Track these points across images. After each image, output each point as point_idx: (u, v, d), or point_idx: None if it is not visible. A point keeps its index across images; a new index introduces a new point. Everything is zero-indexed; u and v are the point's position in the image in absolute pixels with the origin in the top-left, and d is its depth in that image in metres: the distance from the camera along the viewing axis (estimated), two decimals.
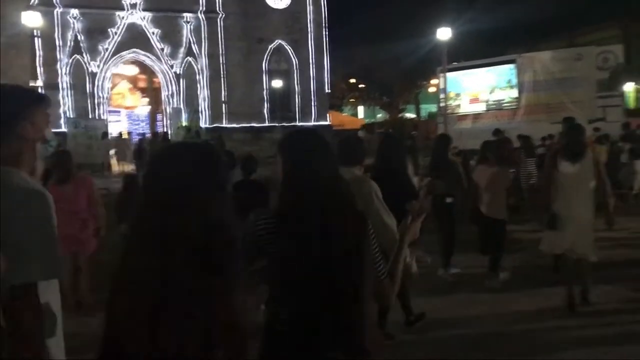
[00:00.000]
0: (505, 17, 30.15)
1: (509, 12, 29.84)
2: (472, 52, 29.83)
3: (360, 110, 54.72)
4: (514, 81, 20.10)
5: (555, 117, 17.06)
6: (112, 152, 23.17)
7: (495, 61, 21.78)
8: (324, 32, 29.73)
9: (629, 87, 28.48)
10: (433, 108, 41.57)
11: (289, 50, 29.25)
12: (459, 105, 21.87)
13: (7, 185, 1.89)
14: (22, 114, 2.00)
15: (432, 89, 43.12)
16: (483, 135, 18.47)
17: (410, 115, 48.65)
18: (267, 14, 28.47)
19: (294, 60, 29.37)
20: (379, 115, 52.58)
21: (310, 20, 29.36)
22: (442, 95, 20.17)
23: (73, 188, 5.77)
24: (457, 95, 21.84)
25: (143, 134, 25.02)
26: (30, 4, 22.88)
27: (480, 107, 21.21)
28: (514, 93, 20.10)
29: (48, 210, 1.95)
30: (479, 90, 21.44)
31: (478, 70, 21.84)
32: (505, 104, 20.47)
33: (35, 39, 17.64)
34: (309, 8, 29.28)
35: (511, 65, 20.41)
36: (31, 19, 16.10)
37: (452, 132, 17.29)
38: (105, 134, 22.83)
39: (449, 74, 19.31)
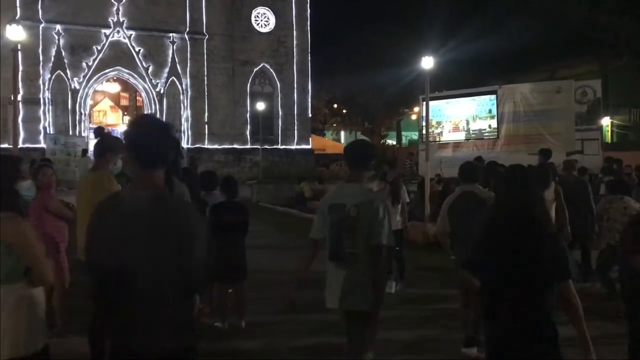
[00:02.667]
0: (487, 48, 30.68)
1: (490, 43, 30.38)
2: (453, 82, 30.26)
3: (343, 135, 55.04)
4: (495, 111, 20.35)
5: (533, 149, 17.24)
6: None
7: (476, 91, 22.05)
8: (308, 57, 29.98)
9: (606, 122, 29.08)
10: (414, 135, 41.94)
11: (273, 74, 29.41)
12: (440, 133, 22.06)
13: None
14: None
15: (414, 117, 43.59)
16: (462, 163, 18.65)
17: (392, 141, 49.02)
18: (252, 37, 28.66)
19: (278, 84, 29.53)
20: None
21: (294, 44, 29.61)
22: (423, 123, 20.36)
23: (38, 204, 5.69)
24: (439, 123, 22.04)
25: None
26: (15, 18, 22.76)
27: (461, 136, 21.41)
28: (494, 123, 20.34)
29: None
30: (460, 119, 21.66)
31: (460, 99, 22.09)
32: (486, 134, 20.69)
33: (18, 53, 17.51)
34: (294, 33, 29.55)
35: (492, 96, 20.67)
36: (15, 33, 15.93)
37: (432, 160, 17.42)
38: (85, 151, 22.54)
39: (431, 102, 19.52)
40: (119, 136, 5.17)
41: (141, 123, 2.60)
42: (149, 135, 2.40)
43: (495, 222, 3.10)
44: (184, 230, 2.29)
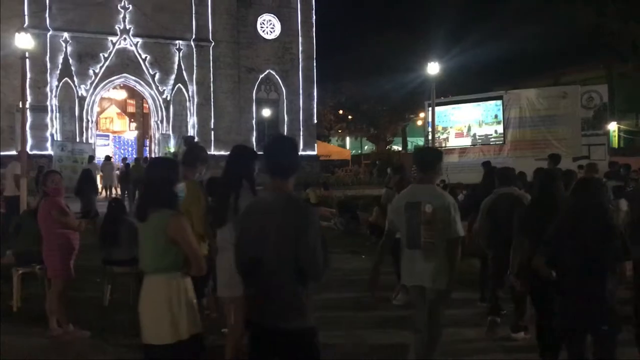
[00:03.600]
0: (493, 54, 30.69)
1: (496, 49, 30.38)
2: (459, 88, 30.26)
3: (348, 141, 55.08)
4: (501, 117, 20.35)
5: (540, 154, 17.25)
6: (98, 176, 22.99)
7: (482, 97, 22.06)
8: (313, 63, 30.06)
9: (612, 127, 29.00)
10: (420, 141, 41.93)
11: (279, 80, 29.51)
12: (447, 139, 22.05)
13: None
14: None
15: (419, 122, 43.57)
16: (469, 169, 18.62)
17: (397, 147, 48.99)
18: (258, 43, 28.77)
19: (283, 90, 29.61)
20: (366, 147, 52.93)
21: (300, 51, 29.70)
22: (429, 129, 20.35)
23: (41, 210, 5.86)
24: (445, 129, 22.05)
25: (125, 159, 24.89)
26: (24, 26, 22.93)
27: (467, 142, 21.40)
28: (501, 128, 20.33)
29: None
30: (466, 124, 21.67)
31: (465, 105, 22.10)
32: (492, 139, 20.68)
33: (26, 60, 17.68)
34: (300, 39, 29.65)
35: (498, 101, 20.67)
36: (23, 41, 16.06)
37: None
38: (92, 157, 22.66)
39: (437, 108, 19.51)
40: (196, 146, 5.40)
41: (275, 141, 3.26)
42: (280, 151, 3.08)
43: (575, 215, 4.01)
44: (304, 226, 2.83)
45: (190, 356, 3.30)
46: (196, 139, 8.70)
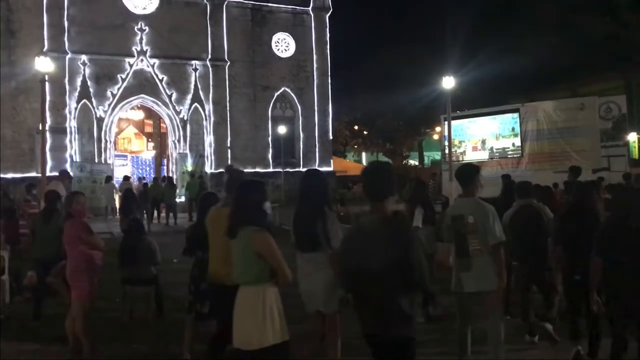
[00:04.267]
0: (508, 66, 30.57)
1: (511, 62, 30.27)
2: (475, 101, 30.18)
3: (364, 156, 55.05)
4: (518, 129, 20.21)
5: (558, 166, 17.07)
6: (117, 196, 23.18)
7: (499, 110, 21.94)
8: (328, 80, 30.20)
9: (632, 137, 28.63)
10: (437, 155, 41.77)
11: (294, 97, 29.67)
12: (464, 153, 21.93)
13: None
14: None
15: (435, 136, 43.45)
16: (487, 183, 18.47)
17: (414, 162, 48.85)
18: (272, 62, 29.00)
19: (298, 107, 29.75)
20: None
21: (314, 68, 29.88)
22: (446, 143, 20.27)
23: (66, 229, 5.90)
24: (461, 142, 21.95)
25: (142, 178, 25.10)
26: (43, 50, 23.37)
27: (484, 155, 21.26)
28: (518, 141, 20.18)
29: None
30: (482, 138, 21.55)
31: (482, 118, 22.00)
32: (510, 152, 20.52)
33: (45, 83, 18.04)
34: (314, 57, 29.84)
35: (515, 114, 20.55)
36: (43, 65, 16.37)
37: (456, 180, 17.24)
38: (110, 177, 22.89)
39: (453, 122, 19.44)
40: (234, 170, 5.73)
41: (373, 169, 3.67)
42: (378, 178, 3.46)
43: (624, 225, 4.57)
44: (404, 242, 3.17)
45: None
46: (234, 166, 8.86)
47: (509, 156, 20.41)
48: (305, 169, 28.96)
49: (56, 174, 23.02)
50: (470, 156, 21.81)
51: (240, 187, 4.01)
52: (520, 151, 20.07)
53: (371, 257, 3.18)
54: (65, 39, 24.71)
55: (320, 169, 28.86)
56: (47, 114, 21.69)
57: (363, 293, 3.27)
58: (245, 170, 27.90)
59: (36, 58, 17.69)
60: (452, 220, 4.93)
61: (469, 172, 5.12)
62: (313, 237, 4.54)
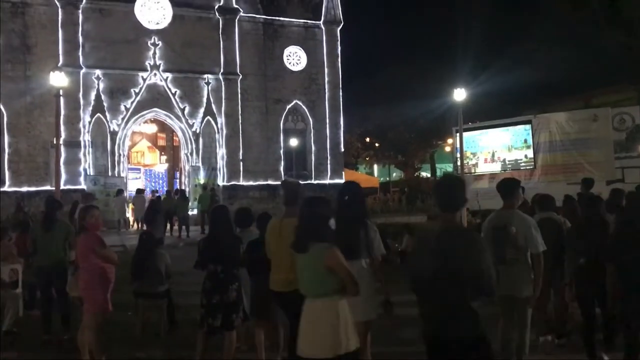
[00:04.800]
0: (520, 78, 30.49)
1: (523, 73, 30.20)
2: (487, 112, 30.08)
3: (376, 168, 54.99)
4: (530, 141, 20.11)
5: (572, 178, 16.95)
6: (129, 209, 23.35)
7: (510, 121, 21.87)
8: (339, 93, 30.29)
9: None
10: (449, 167, 41.63)
11: (305, 110, 29.77)
12: (476, 165, 21.85)
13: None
14: None
15: (447, 148, 43.35)
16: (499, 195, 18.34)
17: (426, 174, 48.71)
18: (284, 75, 29.16)
19: (310, 120, 29.83)
20: (395, 174, 52.75)
21: (326, 81, 29.99)
22: (457, 155, 20.21)
23: (80, 242, 5.92)
24: (474, 154, 21.88)
25: (155, 191, 25.26)
26: (58, 65, 23.69)
27: (497, 167, 21.17)
28: (531, 153, 20.07)
29: None
30: (495, 149, 21.47)
31: (494, 130, 21.93)
32: (522, 164, 20.41)
33: (60, 98, 18.32)
34: (325, 70, 29.96)
35: (527, 126, 20.47)
36: (58, 80, 16.60)
37: (469, 192, 17.17)
38: (121, 190, 23.06)
39: (465, 133, 19.39)
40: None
41: (445, 181, 3.88)
42: (449, 190, 3.63)
43: (633, 230, 4.94)
44: (475, 251, 3.38)
45: None
46: (290, 180, 9.07)
47: (522, 168, 20.31)
48: (317, 181, 28.94)
49: (71, 187, 23.31)
50: (483, 168, 21.73)
51: (308, 203, 4.21)
52: (533, 163, 19.96)
53: (446, 264, 3.39)
54: (80, 54, 25.04)
55: (331, 181, 28.92)
56: (62, 128, 21.99)
57: (435, 297, 3.47)
58: (258, 183, 28.09)
59: (51, 73, 17.94)
60: (494, 229, 5.23)
61: (510, 185, 5.48)
62: (354, 246, 4.71)
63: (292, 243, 4.06)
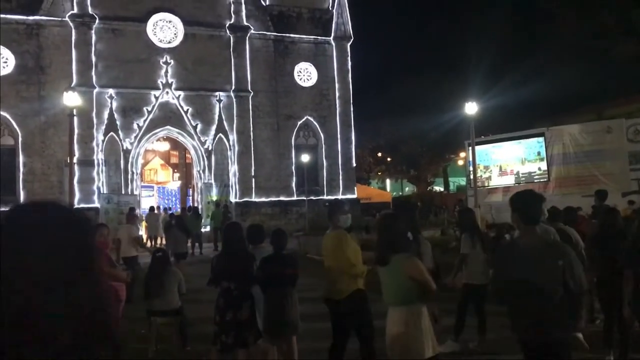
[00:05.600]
0: (532, 90, 30.38)
1: (535, 85, 30.09)
2: (499, 125, 29.96)
3: (388, 183, 54.85)
4: (544, 153, 19.97)
5: (586, 190, 16.77)
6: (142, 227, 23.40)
7: (523, 134, 21.76)
8: (350, 108, 30.34)
9: None
10: (462, 181, 41.43)
11: (317, 126, 29.83)
12: (489, 178, 21.71)
13: None
14: None
15: (460, 162, 43.17)
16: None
17: (439, 188, 48.50)
18: (295, 91, 29.29)
19: (321, 135, 29.88)
20: (407, 189, 52.57)
21: (337, 97, 30.07)
22: (470, 169, 20.10)
23: None
24: (487, 167, 21.76)
25: (168, 209, 25.32)
26: (71, 85, 23.98)
27: (510, 180, 21.02)
28: (544, 165, 19.92)
29: None
30: (508, 162, 21.35)
31: (506, 143, 21.83)
32: (536, 177, 20.26)
33: (73, 117, 18.56)
34: (336, 85, 30.06)
35: (540, 138, 20.35)
36: (71, 100, 16.79)
37: (483, 205, 17.09)
38: (133, 209, 23.11)
39: (477, 147, 19.30)
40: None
41: (524, 196, 4.06)
42: (530, 204, 3.93)
43: None
44: (566, 259, 3.67)
45: None
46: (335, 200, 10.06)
47: (536, 181, 20.16)
48: (330, 197, 28.79)
49: (85, 205, 23.45)
50: (497, 181, 21.59)
51: (386, 219, 4.56)
52: (547, 175, 19.81)
53: (537, 272, 3.68)
54: (93, 73, 25.34)
55: (344, 196, 28.86)
56: (76, 146, 22.20)
57: (525, 303, 3.74)
58: (270, 199, 28.10)
59: (65, 93, 18.17)
60: None
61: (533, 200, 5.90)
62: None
63: (376, 257, 4.34)
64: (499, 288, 4.02)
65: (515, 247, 4.06)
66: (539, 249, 3.78)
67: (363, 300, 5.46)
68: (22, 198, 24.31)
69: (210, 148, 27.40)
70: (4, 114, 24.28)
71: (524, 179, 20.56)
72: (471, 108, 18.60)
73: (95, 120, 25.28)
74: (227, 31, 27.83)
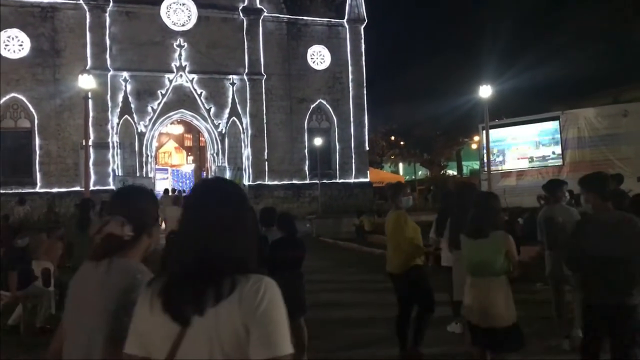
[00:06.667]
0: (547, 73, 30.04)
1: (550, 68, 29.75)
2: (514, 109, 29.71)
3: (401, 167, 54.72)
4: (558, 137, 19.81)
5: None
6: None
7: (538, 118, 21.58)
8: (363, 91, 30.23)
9: None
10: (476, 165, 41.24)
11: (330, 109, 29.79)
12: (503, 162, 21.61)
13: None
14: None
15: (474, 146, 42.92)
16: (528, 193, 18.14)
17: (452, 172, 48.30)
18: (308, 74, 29.22)
19: (334, 119, 29.84)
20: (420, 173, 52.44)
21: (350, 80, 29.96)
22: (484, 152, 20.01)
23: None
24: (500, 151, 21.64)
25: (183, 191, 25.49)
26: (86, 68, 24.13)
27: (524, 164, 20.91)
28: (559, 149, 19.78)
29: None
30: (522, 146, 21.20)
31: (521, 126, 21.67)
32: (550, 161, 20.13)
33: (88, 100, 18.68)
34: (349, 68, 29.93)
35: (554, 122, 20.18)
36: (86, 82, 16.92)
37: (496, 189, 17.05)
38: (177, 190, 23.35)
39: (491, 131, 19.19)
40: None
41: (599, 175, 4.66)
42: (602, 182, 4.46)
43: None
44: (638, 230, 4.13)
45: (519, 336, 4.58)
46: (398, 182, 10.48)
47: (550, 165, 20.03)
48: (343, 181, 28.84)
49: (100, 187, 23.71)
50: (510, 165, 21.48)
51: (489, 198, 5.05)
52: (561, 159, 19.68)
53: (617, 242, 4.14)
54: (107, 56, 25.46)
55: (356, 180, 28.91)
56: (91, 129, 22.38)
57: (601, 271, 4.20)
58: (283, 183, 28.22)
59: (79, 76, 18.29)
60: (545, 220, 6.36)
61: (557, 184, 6.66)
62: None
63: (471, 229, 4.74)
64: (576, 257, 4.51)
65: (592, 222, 4.53)
66: (616, 222, 4.25)
67: (421, 274, 5.91)
68: (38, 180, 24.64)
69: (223, 131, 27.50)
70: (20, 96, 24.54)
71: (538, 162, 20.43)
72: (485, 91, 18.48)
73: (110, 103, 25.45)
74: (241, 14, 27.77)
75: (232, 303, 1.59)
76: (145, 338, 1.67)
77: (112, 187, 24.25)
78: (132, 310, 1.79)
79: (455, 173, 47.40)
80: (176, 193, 24.17)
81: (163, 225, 22.48)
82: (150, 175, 26.37)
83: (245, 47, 27.88)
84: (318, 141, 28.37)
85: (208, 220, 1.71)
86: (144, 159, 26.18)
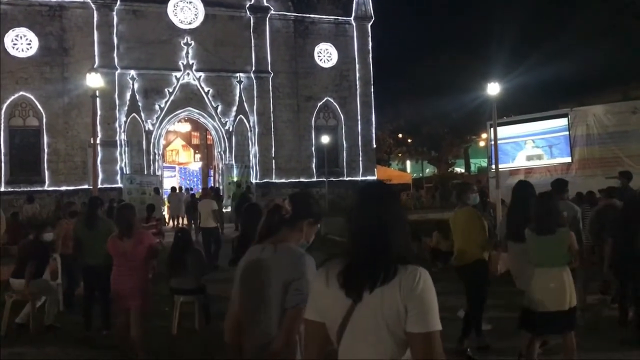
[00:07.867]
0: (556, 71, 29.86)
1: (559, 66, 29.56)
2: (522, 106, 29.57)
3: (408, 164, 54.62)
4: (567, 135, 19.65)
5: (610, 172, 16.49)
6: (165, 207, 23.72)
7: (547, 115, 21.42)
8: (371, 89, 30.17)
9: None
10: (483, 162, 41.08)
11: (337, 107, 29.75)
12: (511, 159, 21.46)
13: None
14: None
15: (482, 143, 42.75)
16: (536, 189, 17.97)
17: (460, 169, 48.16)
18: (315, 72, 29.19)
19: (342, 117, 29.81)
20: (427, 170, 52.32)
21: (357, 77, 29.91)
22: (492, 150, 19.91)
23: (133, 243, 5.76)
24: (510, 148, 21.49)
25: (190, 189, 25.56)
26: (94, 66, 24.21)
27: (532, 162, 20.76)
28: (567, 147, 19.61)
29: None
30: (530, 144, 21.06)
31: (529, 124, 21.52)
32: (559, 158, 19.97)
33: (96, 98, 18.74)
34: (357, 66, 29.88)
35: (563, 119, 20.03)
36: (94, 81, 16.94)
37: (504, 187, 16.96)
38: (158, 189, 23.42)
39: (499, 128, 19.08)
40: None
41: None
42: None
43: None
44: None
45: (573, 319, 5.20)
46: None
47: (558, 162, 19.89)
48: (351, 179, 28.78)
49: (108, 185, 23.80)
50: (519, 162, 21.35)
51: (553, 200, 5.61)
52: (569, 157, 19.53)
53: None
54: (115, 55, 25.53)
55: (363, 178, 28.86)
56: (98, 128, 22.44)
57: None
58: (290, 181, 28.18)
59: (87, 74, 18.31)
60: None
61: (563, 183, 7.26)
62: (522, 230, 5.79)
63: (539, 227, 5.24)
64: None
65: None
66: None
67: (484, 268, 6.28)
68: (47, 178, 24.75)
69: (230, 129, 27.53)
70: (28, 95, 24.66)
71: (546, 160, 20.28)
72: (493, 89, 18.36)
73: (117, 102, 25.53)
74: (247, 12, 27.77)
75: (394, 286, 1.97)
76: (322, 308, 2.09)
77: (120, 185, 24.33)
78: (300, 281, 2.62)
79: (462, 170, 47.27)
80: (183, 191, 24.29)
81: (171, 223, 22.59)
82: (158, 173, 26.44)
83: (252, 45, 27.88)
84: (325, 139, 28.33)
85: (375, 220, 2.07)
86: (151, 157, 26.26)
